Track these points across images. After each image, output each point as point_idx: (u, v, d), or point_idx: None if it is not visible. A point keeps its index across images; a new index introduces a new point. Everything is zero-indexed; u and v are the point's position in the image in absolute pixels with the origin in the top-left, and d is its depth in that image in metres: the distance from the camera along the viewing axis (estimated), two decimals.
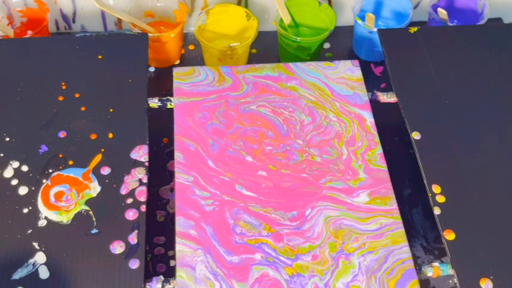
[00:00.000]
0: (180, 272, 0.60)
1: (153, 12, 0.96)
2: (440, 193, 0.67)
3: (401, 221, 0.65)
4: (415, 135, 0.72)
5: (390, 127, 0.80)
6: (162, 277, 0.62)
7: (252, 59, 0.97)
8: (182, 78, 0.77)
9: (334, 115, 0.74)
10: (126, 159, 0.69)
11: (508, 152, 0.71)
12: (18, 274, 0.60)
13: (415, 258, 0.75)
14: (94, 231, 0.63)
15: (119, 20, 1.00)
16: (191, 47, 0.99)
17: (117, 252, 0.62)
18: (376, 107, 0.76)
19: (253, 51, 0.99)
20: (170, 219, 0.77)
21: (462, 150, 0.71)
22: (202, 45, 0.90)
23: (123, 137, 0.71)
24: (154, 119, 0.76)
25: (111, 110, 0.74)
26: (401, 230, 0.64)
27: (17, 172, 0.68)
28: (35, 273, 0.60)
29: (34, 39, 0.83)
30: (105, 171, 0.68)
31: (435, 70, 0.79)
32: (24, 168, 0.68)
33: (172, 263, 0.73)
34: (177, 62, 0.97)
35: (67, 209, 0.65)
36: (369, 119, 0.74)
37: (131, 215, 0.64)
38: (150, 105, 0.75)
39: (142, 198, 0.66)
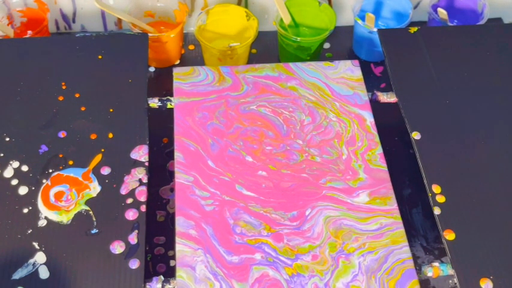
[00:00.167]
0: (180, 272, 0.60)
1: (153, 12, 0.96)
2: (440, 193, 0.67)
3: (401, 221, 0.65)
4: (415, 135, 0.72)
5: (390, 127, 0.80)
6: (162, 277, 0.62)
7: (252, 59, 0.97)
8: (182, 78, 0.77)
9: (334, 115, 0.74)
10: (126, 159, 0.69)
11: (508, 152, 0.71)
12: (18, 274, 0.60)
13: (415, 258, 0.75)
14: (94, 231, 0.63)
15: (119, 20, 1.00)
16: (191, 47, 0.99)
17: (117, 252, 0.62)
18: (376, 107, 0.76)
19: (253, 51, 0.99)
20: (170, 219, 0.77)
21: (462, 150, 0.71)
22: (202, 45, 0.90)
23: (123, 137, 0.71)
24: (154, 119, 0.76)
25: (111, 110, 0.74)
26: (401, 230, 0.64)
27: (17, 172, 0.68)
28: (35, 273, 0.60)
29: (34, 39, 0.83)
30: (105, 171, 0.68)
31: (435, 70, 0.79)
32: (24, 168, 0.68)
33: (172, 263, 0.73)
34: (177, 62, 0.97)
35: (67, 209, 0.65)
36: (369, 119, 0.74)
37: (131, 215, 0.64)
38: (150, 105, 0.75)
39: (142, 198, 0.66)
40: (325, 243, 0.63)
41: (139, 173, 0.68)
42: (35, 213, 0.64)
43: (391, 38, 0.83)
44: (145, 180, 0.67)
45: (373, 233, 0.64)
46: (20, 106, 0.73)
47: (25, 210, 0.65)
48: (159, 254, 0.74)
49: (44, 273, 0.60)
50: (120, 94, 0.75)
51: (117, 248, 0.62)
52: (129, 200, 0.66)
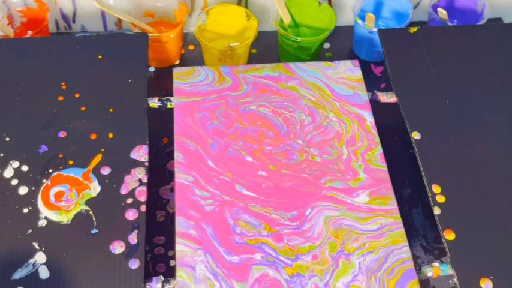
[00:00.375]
0: (180, 272, 0.60)
1: (153, 12, 0.96)
2: (440, 193, 0.67)
3: (401, 221, 0.65)
4: (415, 135, 0.72)
5: (390, 127, 0.80)
6: (162, 277, 0.62)
7: (252, 59, 0.97)
8: (182, 78, 0.77)
9: (334, 115, 0.74)
10: (126, 159, 0.69)
11: (508, 152, 0.71)
12: (18, 274, 0.60)
13: (415, 258, 0.75)
14: (94, 231, 0.63)
15: (119, 20, 1.00)
16: (191, 47, 0.99)
17: (117, 252, 0.62)
18: (376, 107, 0.76)
19: (253, 51, 0.99)
20: (170, 219, 0.77)
21: (462, 150, 0.71)
22: (202, 45, 0.90)
23: (123, 137, 0.71)
24: (154, 119, 0.76)
25: (111, 110, 0.74)
26: (401, 230, 0.64)
27: (17, 172, 0.68)
28: (35, 273, 0.60)
29: (34, 39, 0.83)
30: (105, 171, 0.68)
31: (435, 70, 0.79)
32: (24, 168, 0.68)
33: (172, 263, 0.73)
34: (177, 62, 0.97)
35: (67, 209, 0.65)
36: (369, 119, 0.74)
37: (131, 215, 0.64)
38: (150, 105, 0.75)
39: (142, 198, 0.66)
40: (325, 243, 0.63)
41: (139, 173, 0.68)
42: (35, 213, 0.64)
43: (391, 38, 0.83)
44: (145, 180, 0.67)
45: (373, 233, 0.64)
46: (20, 106, 0.73)
47: (25, 210, 0.65)
48: (159, 254, 0.74)
49: (44, 273, 0.60)
50: (120, 94, 0.75)
51: (117, 248, 0.62)
52: (129, 200, 0.66)
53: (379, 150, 0.71)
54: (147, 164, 0.69)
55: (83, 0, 0.97)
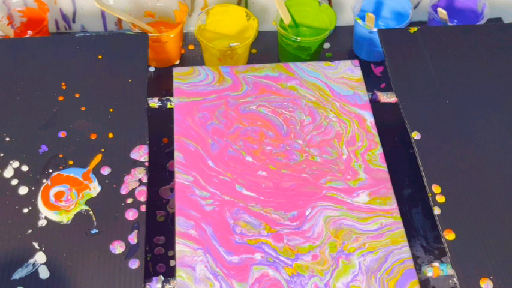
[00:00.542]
0: (180, 272, 0.60)
1: (153, 12, 0.96)
2: (440, 193, 0.67)
3: (401, 221, 0.65)
4: (415, 135, 0.72)
5: (390, 127, 0.80)
6: (162, 277, 0.62)
7: (252, 59, 0.97)
8: (182, 78, 0.77)
9: (334, 115, 0.74)
10: (126, 159, 0.69)
11: (508, 152, 0.71)
12: (18, 274, 0.60)
13: (415, 258, 0.75)
14: (94, 231, 0.63)
15: (119, 20, 1.00)
16: (191, 47, 0.99)
17: (117, 252, 0.62)
18: (376, 107, 0.76)
19: (253, 51, 0.99)
20: (170, 219, 0.77)
21: (462, 150, 0.71)
22: (202, 45, 0.90)
23: (123, 137, 0.71)
24: (154, 119, 0.76)
25: (111, 110, 0.74)
26: (401, 230, 0.64)
27: (17, 172, 0.68)
28: (35, 273, 0.60)
29: (34, 39, 0.83)
30: (105, 171, 0.68)
31: (435, 70, 0.79)
32: (24, 168, 0.68)
33: (172, 263, 0.73)
34: (177, 62, 0.97)
35: (67, 209, 0.65)
36: (369, 119, 0.74)
37: (131, 215, 0.64)
38: (150, 105, 0.75)
39: (142, 198, 0.66)
40: (325, 243, 0.63)
41: (139, 173, 0.68)
42: (35, 213, 0.64)
43: (391, 38, 0.83)
44: (145, 180, 0.67)
45: (373, 233, 0.64)
46: (20, 106, 0.73)
47: (25, 210, 0.65)
48: (159, 254, 0.74)
49: (44, 273, 0.60)
50: (120, 94, 0.75)
51: (117, 248, 0.62)
52: (129, 200, 0.66)
53: (379, 150, 0.71)
54: (147, 164, 0.69)
55: (83, 0, 0.97)
